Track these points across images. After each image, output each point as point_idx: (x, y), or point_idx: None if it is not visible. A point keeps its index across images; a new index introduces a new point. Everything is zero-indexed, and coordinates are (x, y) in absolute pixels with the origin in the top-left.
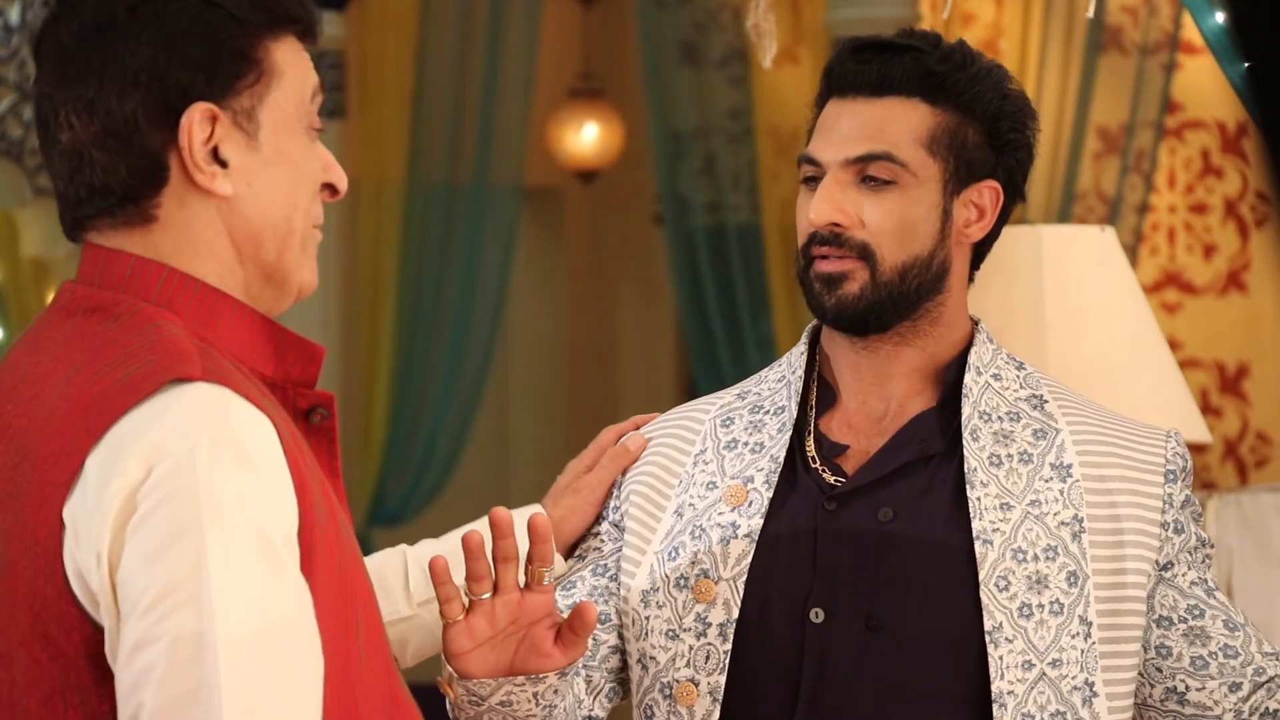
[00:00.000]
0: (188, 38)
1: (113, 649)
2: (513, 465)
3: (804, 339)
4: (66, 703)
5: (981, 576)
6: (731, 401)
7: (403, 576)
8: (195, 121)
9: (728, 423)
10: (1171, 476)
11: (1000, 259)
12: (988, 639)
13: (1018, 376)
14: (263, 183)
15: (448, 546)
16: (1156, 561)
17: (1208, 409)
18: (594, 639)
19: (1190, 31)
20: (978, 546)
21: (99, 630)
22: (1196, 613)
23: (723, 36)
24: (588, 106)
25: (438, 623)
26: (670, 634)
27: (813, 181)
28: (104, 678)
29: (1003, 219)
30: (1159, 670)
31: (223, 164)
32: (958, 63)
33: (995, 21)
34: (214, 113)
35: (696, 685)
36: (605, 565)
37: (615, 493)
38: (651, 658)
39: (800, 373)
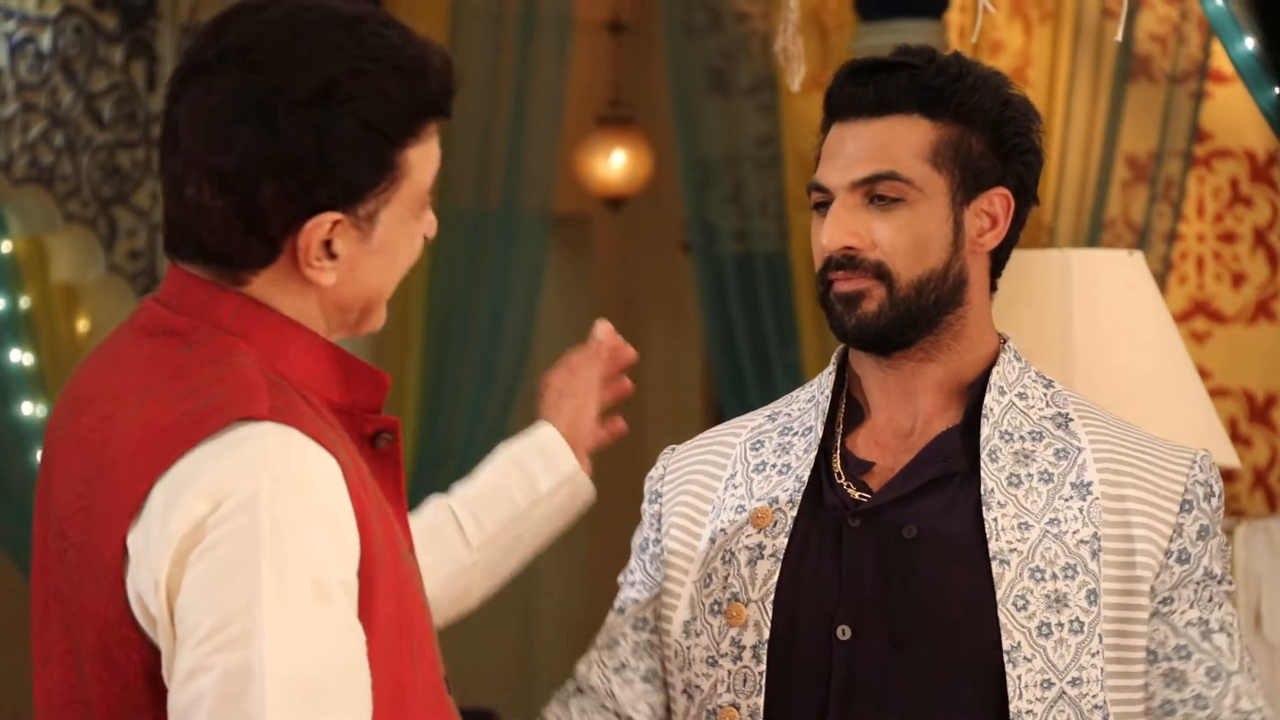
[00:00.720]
0: (338, 153)
1: (168, 671)
2: None
3: (834, 360)
4: None
5: (999, 596)
6: (762, 424)
7: (456, 527)
8: (320, 226)
9: (757, 446)
10: (1187, 506)
11: (1029, 283)
12: (1005, 658)
13: (1045, 395)
14: (365, 267)
15: (479, 486)
16: (1153, 589)
17: (1237, 438)
18: (649, 706)
19: (1219, 60)
20: (994, 566)
21: (157, 653)
22: (1183, 654)
23: (751, 65)
24: (616, 134)
25: (494, 562)
26: (710, 660)
27: (823, 207)
28: (161, 697)
29: (1018, 224)
30: None
31: (332, 256)
32: (954, 75)
33: (1024, 50)
34: (339, 220)
35: (738, 709)
36: (644, 618)
37: (655, 524)
38: (696, 686)
39: (828, 393)
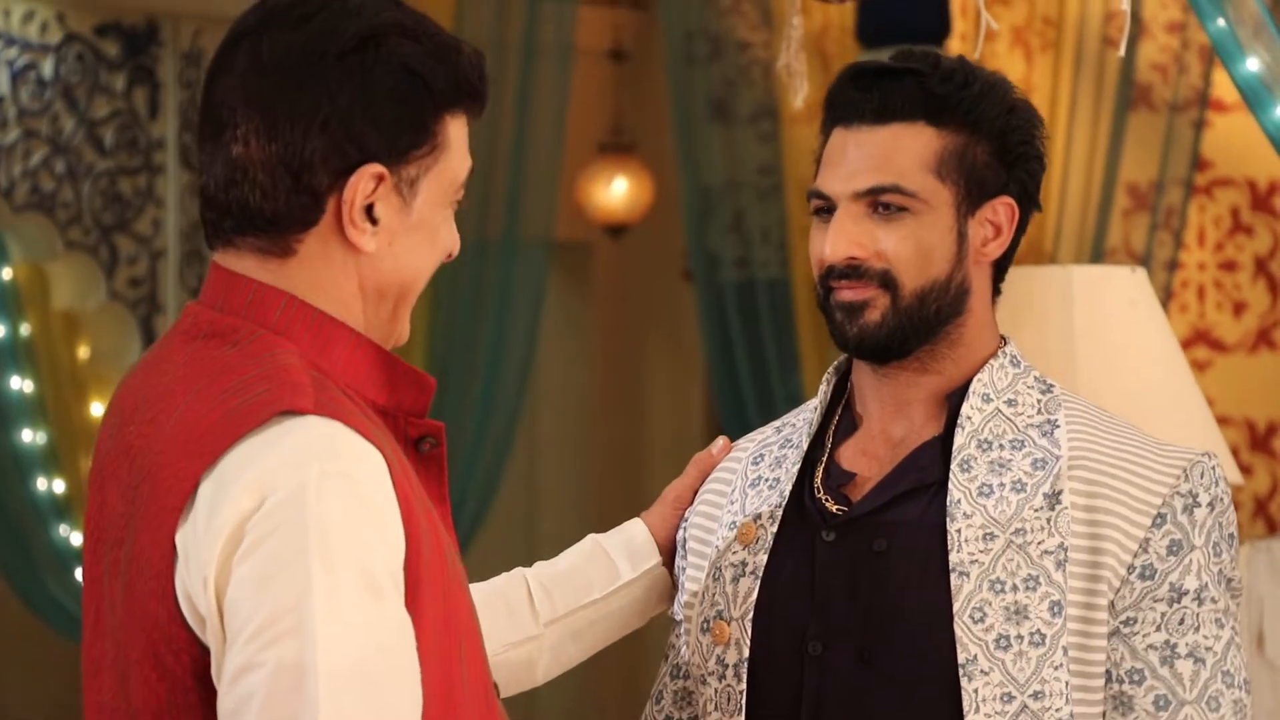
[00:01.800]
0: (384, 99)
1: (218, 671)
2: (541, 519)
3: (831, 371)
4: None
5: (955, 608)
6: (769, 437)
7: (526, 597)
8: (364, 179)
9: (758, 460)
10: (1160, 520)
11: (1031, 299)
12: (960, 672)
13: (1039, 401)
14: (403, 245)
15: (559, 566)
16: (1113, 605)
17: (1238, 467)
18: None
19: (1220, 89)
20: (953, 579)
21: (207, 652)
22: (1136, 678)
23: (752, 93)
24: (618, 162)
25: (563, 642)
26: (702, 679)
27: (824, 213)
28: (211, 698)
29: (1021, 231)
30: None
31: (373, 221)
32: (960, 82)
33: (1025, 78)
34: (383, 175)
35: None
36: (679, 665)
37: (682, 551)
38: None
39: (822, 404)
